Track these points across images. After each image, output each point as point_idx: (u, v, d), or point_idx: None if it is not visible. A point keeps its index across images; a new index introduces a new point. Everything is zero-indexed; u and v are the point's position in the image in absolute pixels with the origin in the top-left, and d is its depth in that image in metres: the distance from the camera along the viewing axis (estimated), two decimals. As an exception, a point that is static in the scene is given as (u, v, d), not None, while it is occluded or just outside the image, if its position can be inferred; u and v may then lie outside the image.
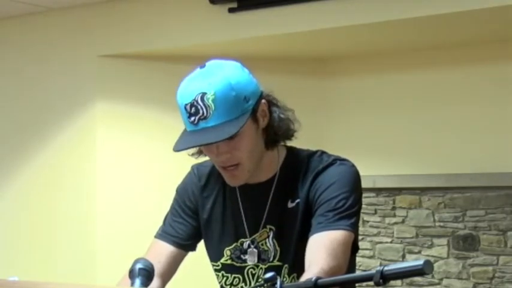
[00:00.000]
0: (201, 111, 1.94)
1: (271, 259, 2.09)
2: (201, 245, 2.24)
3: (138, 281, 1.84)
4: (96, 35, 4.53)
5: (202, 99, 1.94)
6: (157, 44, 4.38)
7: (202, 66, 2.02)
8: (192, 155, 2.13)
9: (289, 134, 2.10)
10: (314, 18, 3.90)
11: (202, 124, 1.95)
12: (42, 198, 4.66)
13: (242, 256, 2.12)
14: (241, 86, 1.98)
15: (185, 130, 2.00)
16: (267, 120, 2.06)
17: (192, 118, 1.95)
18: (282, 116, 2.08)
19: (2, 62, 4.86)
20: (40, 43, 4.72)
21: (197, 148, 2.10)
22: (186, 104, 1.96)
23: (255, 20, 4.04)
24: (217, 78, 1.96)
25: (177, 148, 1.97)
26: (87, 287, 2.77)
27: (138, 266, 1.86)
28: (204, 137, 1.95)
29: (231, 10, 4.08)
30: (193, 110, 1.95)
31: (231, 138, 1.96)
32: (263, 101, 2.04)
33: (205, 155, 2.09)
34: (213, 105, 1.93)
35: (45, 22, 4.68)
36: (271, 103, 2.08)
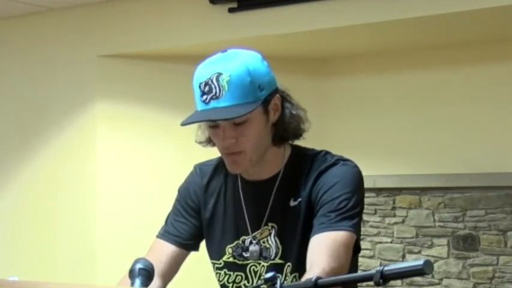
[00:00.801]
0: (214, 91, 1.96)
1: (272, 257, 2.09)
2: (203, 245, 2.24)
3: (138, 281, 1.84)
4: (96, 35, 4.53)
5: (217, 79, 1.96)
6: (157, 44, 4.38)
7: (224, 51, 2.05)
8: (200, 143, 2.15)
9: (298, 133, 2.11)
10: (314, 18, 3.90)
11: (213, 103, 1.97)
12: (42, 198, 4.66)
13: (244, 254, 2.12)
14: (258, 74, 2.00)
15: (196, 110, 2.02)
16: (278, 114, 2.07)
17: (205, 97, 1.98)
18: (293, 112, 2.09)
19: (2, 62, 4.86)
20: (40, 43, 4.72)
21: (205, 136, 2.11)
22: (201, 83, 1.98)
23: (255, 20, 4.04)
24: (235, 62, 1.99)
25: (184, 122, 1.99)
26: (87, 287, 2.77)
27: (138, 266, 1.86)
28: (213, 115, 1.97)
29: (231, 10, 4.08)
30: (207, 88, 1.97)
31: (239, 124, 1.98)
32: (277, 95, 2.06)
33: (213, 145, 2.09)
34: (226, 86, 1.96)
35: (45, 22, 4.68)
36: (285, 99, 2.09)
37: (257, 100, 1.99)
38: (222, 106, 1.96)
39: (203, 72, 2.00)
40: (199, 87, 1.99)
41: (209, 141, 2.12)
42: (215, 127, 2.03)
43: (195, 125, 2.11)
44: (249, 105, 1.97)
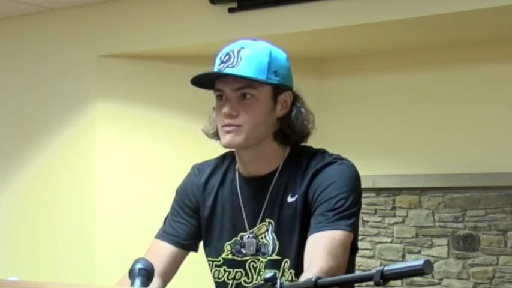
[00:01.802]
0: (232, 60, 2.05)
1: (270, 253, 2.09)
2: (202, 245, 2.24)
3: (138, 281, 1.84)
4: (96, 35, 4.53)
5: (239, 51, 2.06)
6: (157, 44, 4.38)
7: (255, 39, 2.15)
8: (206, 133, 2.16)
9: (302, 134, 2.13)
10: (314, 18, 3.90)
11: (228, 70, 2.04)
12: (41, 198, 4.66)
13: (242, 250, 2.13)
14: (278, 62, 2.10)
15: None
16: (285, 111, 2.10)
17: (222, 65, 2.06)
18: (302, 113, 2.12)
19: (2, 62, 4.86)
20: (40, 43, 4.72)
21: (214, 128, 2.13)
22: (222, 54, 2.08)
23: (255, 20, 4.04)
24: (262, 44, 2.11)
25: (194, 76, 2.05)
26: (87, 287, 2.77)
27: (138, 266, 1.86)
28: (224, 74, 2.04)
29: (231, 10, 4.08)
30: (226, 58, 2.06)
31: (244, 99, 2.03)
32: (290, 92, 2.12)
33: (218, 139, 2.11)
34: (244, 59, 2.04)
35: (45, 22, 4.68)
36: (297, 100, 2.14)
37: (268, 81, 2.05)
38: (235, 74, 2.02)
39: (229, 46, 2.09)
40: (220, 58, 2.07)
41: (216, 135, 2.12)
42: (221, 99, 2.07)
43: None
44: (259, 81, 2.04)
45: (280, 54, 2.12)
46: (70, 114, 4.58)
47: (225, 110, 2.04)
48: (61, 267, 4.47)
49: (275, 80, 2.06)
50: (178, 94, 4.36)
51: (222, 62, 2.05)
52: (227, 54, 2.06)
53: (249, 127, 2.04)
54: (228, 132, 2.06)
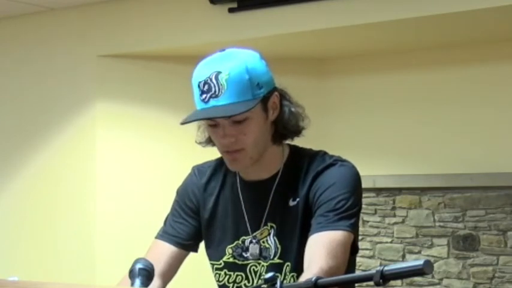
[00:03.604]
0: (213, 89, 1.97)
1: (272, 257, 2.09)
2: (202, 246, 2.24)
3: (138, 281, 1.84)
4: (96, 35, 4.53)
5: (216, 77, 1.97)
6: (157, 44, 4.38)
7: (222, 50, 2.06)
8: (200, 143, 2.15)
9: (297, 130, 2.12)
10: (314, 18, 3.90)
11: (212, 102, 1.97)
12: (41, 198, 4.66)
13: (244, 254, 2.13)
14: (257, 72, 2.02)
15: (195, 109, 2.03)
16: (277, 112, 2.08)
17: (204, 96, 1.98)
18: (292, 110, 2.10)
19: (2, 62, 4.86)
20: (40, 43, 4.72)
21: (205, 136, 2.12)
22: (200, 82, 1.99)
23: (255, 20, 4.04)
24: (234, 61, 2.00)
25: (184, 121, 2.00)
26: (87, 287, 2.77)
27: (138, 266, 1.86)
28: (213, 113, 1.98)
29: (231, 10, 4.08)
30: (206, 87, 1.98)
31: (238, 122, 1.99)
32: (275, 93, 2.07)
33: (213, 145, 2.10)
34: (225, 85, 1.97)
35: (45, 22, 4.68)
36: (283, 97, 2.11)
37: (256, 98, 2.00)
38: (222, 104, 1.97)
39: (202, 71, 2.01)
40: (199, 86, 2.00)
41: (209, 141, 2.12)
42: (215, 126, 2.04)
43: (195, 125, 2.12)
44: (248, 102, 1.98)
45: (254, 61, 2.04)
46: (70, 114, 4.58)
47: (225, 142, 2.02)
48: (61, 267, 4.47)
49: (261, 93, 2.02)
50: (178, 94, 4.34)
51: (203, 92, 1.98)
52: (205, 83, 1.98)
53: (250, 147, 2.03)
54: (233, 158, 2.05)
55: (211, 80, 1.98)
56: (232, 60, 2.01)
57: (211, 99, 1.97)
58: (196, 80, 2.01)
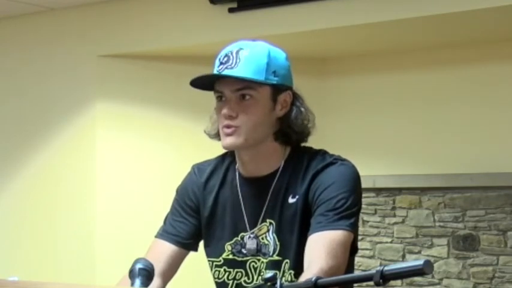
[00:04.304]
0: (230, 61, 2.05)
1: (271, 253, 2.10)
2: (202, 245, 2.24)
3: (138, 281, 1.84)
4: (96, 35, 4.53)
5: (237, 52, 2.06)
6: (157, 44, 4.38)
7: (254, 40, 2.14)
8: (208, 134, 2.17)
9: (302, 133, 2.14)
10: (314, 18, 3.90)
11: (226, 72, 2.04)
12: (41, 198, 4.66)
13: (243, 250, 2.13)
14: (277, 61, 2.09)
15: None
16: (285, 110, 2.11)
17: (220, 66, 2.06)
18: (301, 112, 2.12)
19: (2, 62, 4.86)
20: (40, 43, 4.72)
21: (216, 129, 2.13)
22: (221, 55, 2.08)
23: (255, 20, 4.04)
24: (261, 45, 2.10)
25: (193, 79, 2.06)
26: (87, 287, 2.77)
27: (138, 266, 1.86)
28: (222, 75, 2.05)
29: (231, 10, 4.08)
30: (225, 59, 2.06)
31: (244, 100, 2.03)
32: (289, 92, 2.12)
33: (219, 139, 2.11)
34: (243, 60, 2.04)
35: (45, 22, 4.68)
36: (297, 99, 2.14)
37: (267, 81, 2.05)
38: (234, 75, 2.03)
39: (228, 47, 2.09)
40: (219, 59, 2.07)
41: (217, 135, 2.12)
42: (221, 100, 2.07)
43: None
44: (258, 82, 2.04)
45: (280, 54, 2.12)
46: (70, 114, 4.58)
47: (224, 111, 2.05)
48: (61, 267, 4.47)
49: (274, 80, 2.06)
50: (178, 94, 4.35)
51: (221, 63, 2.06)
52: (226, 55, 2.06)
53: (248, 128, 2.05)
54: (228, 134, 2.06)
55: (232, 53, 2.06)
56: (260, 45, 2.10)
57: (226, 69, 2.04)
58: (221, 54, 2.08)
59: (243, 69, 2.03)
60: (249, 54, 2.04)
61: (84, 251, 4.47)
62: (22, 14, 4.66)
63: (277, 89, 2.07)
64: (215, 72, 2.07)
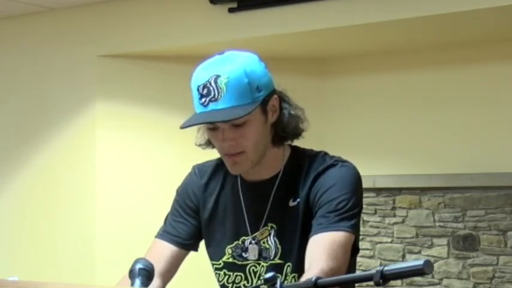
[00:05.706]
0: (212, 93, 1.97)
1: (272, 257, 2.09)
2: (202, 245, 2.24)
3: (138, 281, 1.84)
4: (96, 35, 4.53)
5: (215, 81, 1.97)
6: (157, 44, 4.38)
7: (221, 53, 2.06)
8: (200, 145, 2.15)
9: (297, 132, 2.12)
10: (314, 18, 3.90)
11: (212, 106, 1.97)
12: (42, 198, 4.66)
13: (243, 254, 2.13)
14: (256, 75, 2.01)
15: (194, 113, 2.02)
16: (276, 115, 2.08)
17: (203, 99, 1.98)
18: (292, 112, 2.10)
19: (2, 62, 4.86)
20: (40, 43, 4.72)
21: (205, 138, 2.12)
22: (199, 86, 1.99)
23: (255, 20, 4.04)
24: (233, 64, 2.00)
25: (184, 125, 2.00)
26: (87, 287, 2.77)
27: (138, 266, 1.86)
28: (212, 117, 1.97)
29: (231, 10, 4.08)
30: (205, 91, 1.98)
31: (238, 125, 1.99)
32: (275, 96, 2.07)
33: (213, 147, 2.10)
34: (225, 88, 1.96)
35: (45, 22, 4.68)
36: (283, 100, 2.10)
37: (255, 101, 2.00)
38: (221, 108, 1.96)
39: (201, 74, 2.01)
40: (198, 90, 2.00)
41: (209, 144, 2.12)
42: (214, 129, 2.03)
43: (195, 127, 2.11)
44: (247, 106, 1.98)
45: (253, 64, 2.04)
46: (70, 114, 4.58)
47: (224, 145, 2.02)
48: (61, 267, 4.47)
49: (260, 96, 2.01)
50: (178, 94, 4.34)
51: (202, 95, 1.98)
52: (204, 86, 1.98)
53: (251, 150, 2.03)
54: (234, 162, 2.05)
55: (210, 83, 1.97)
56: (231, 63, 2.00)
57: (210, 103, 1.97)
58: (196, 84, 2.01)
59: (228, 99, 1.96)
60: (228, 80, 1.96)
61: (84, 251, 4.47)
62: (22, 14, 4.66)
63: (265, 101, 2.04)
64: (199, 107, 2.00)
